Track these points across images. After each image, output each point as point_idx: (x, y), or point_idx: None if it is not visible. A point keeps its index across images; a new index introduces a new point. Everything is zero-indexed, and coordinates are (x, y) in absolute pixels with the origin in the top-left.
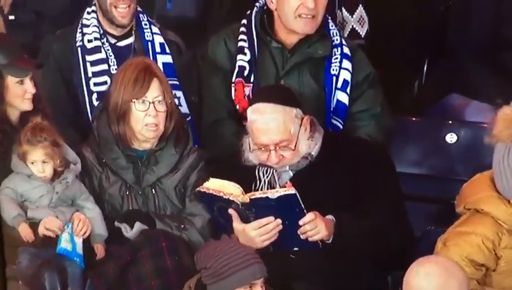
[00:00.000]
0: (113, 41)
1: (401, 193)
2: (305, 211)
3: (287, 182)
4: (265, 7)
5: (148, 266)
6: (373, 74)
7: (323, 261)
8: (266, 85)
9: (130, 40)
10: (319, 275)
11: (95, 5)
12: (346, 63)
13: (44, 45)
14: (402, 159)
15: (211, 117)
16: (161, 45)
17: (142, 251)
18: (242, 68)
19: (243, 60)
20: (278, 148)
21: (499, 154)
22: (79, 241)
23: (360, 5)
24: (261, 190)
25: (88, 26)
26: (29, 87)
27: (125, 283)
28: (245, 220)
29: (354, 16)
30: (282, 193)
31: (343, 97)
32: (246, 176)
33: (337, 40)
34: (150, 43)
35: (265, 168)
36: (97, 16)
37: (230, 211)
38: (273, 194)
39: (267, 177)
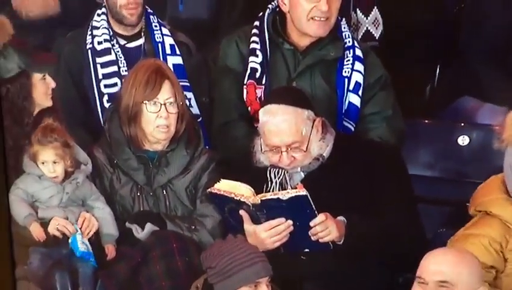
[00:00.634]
0: (122, 42)
1: (414, 194)
2: (316, 212)
3: (298, 184)
4: (277, 9)
5: (159, 266)
6: (385, 76)
7: (334, 263)
8: (278, 87)
9: (140, 41)
10: (330, 277)
11: (105, 7)
12: (358, 65)
13: (56, 48)
14: (414, 161)
15: (222, 119)
16: (171, 46)
17: (152, 251)
18: (254, 70)
19: (255, 61)
20: (289, 149)
21: (510, 157)
22: (87, 241)
23: (375, 7)
24: (272, 191)
25: (98, 28)
26: (51, 81)
27: (135, 283)
28: (256, 221)
29: (368, 18)
30: (293, 194)
31: (355, 99)
32: (257, 178)
33: (349, 42)
34: (160, 45)
35: (277, 169)
36: (107, 17)
37: (241, 212)
38: (284, 195)
39: (278, 178)
